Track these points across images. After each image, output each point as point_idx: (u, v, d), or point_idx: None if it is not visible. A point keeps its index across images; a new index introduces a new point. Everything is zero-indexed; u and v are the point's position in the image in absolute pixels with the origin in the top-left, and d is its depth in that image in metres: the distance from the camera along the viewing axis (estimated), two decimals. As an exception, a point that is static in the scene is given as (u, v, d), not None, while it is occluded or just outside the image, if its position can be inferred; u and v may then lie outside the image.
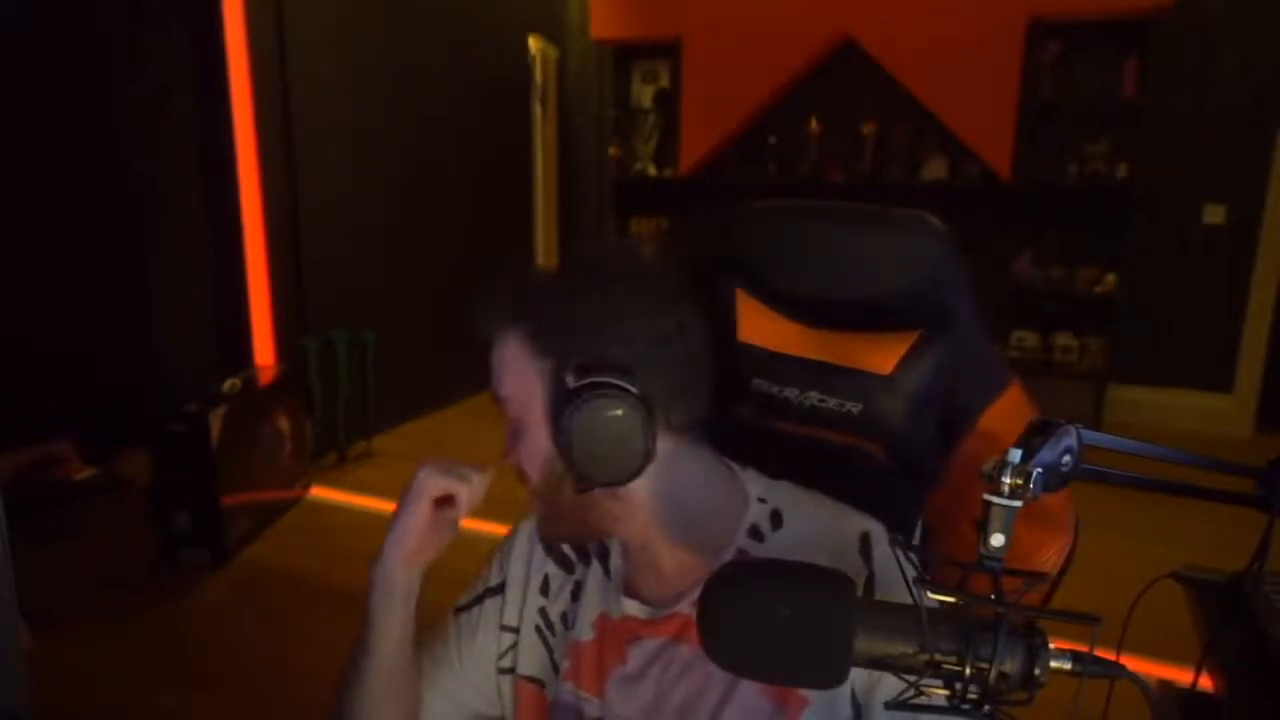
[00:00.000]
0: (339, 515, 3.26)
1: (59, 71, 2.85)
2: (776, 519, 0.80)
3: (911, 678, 0.52)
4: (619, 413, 0.71)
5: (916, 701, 0.51)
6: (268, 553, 2.90)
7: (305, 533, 3.08)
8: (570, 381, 0.73)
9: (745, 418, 0.93)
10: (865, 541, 0.76)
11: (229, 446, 2.79)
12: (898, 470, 0.86)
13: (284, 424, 3.21)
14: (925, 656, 0.51)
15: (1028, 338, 4.40)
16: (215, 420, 2.74)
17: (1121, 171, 4.13)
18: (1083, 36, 4.10)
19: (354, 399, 3.77)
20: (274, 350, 3.50)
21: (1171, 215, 4.23)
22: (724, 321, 0.90)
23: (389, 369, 3.88)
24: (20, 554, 1.57)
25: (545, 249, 5.45)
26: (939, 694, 0.51)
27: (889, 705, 0.74)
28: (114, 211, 3.10)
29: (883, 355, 0.82)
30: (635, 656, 0.81)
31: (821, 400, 0.85)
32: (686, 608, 0.78)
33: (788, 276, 0.89)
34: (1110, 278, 4.21)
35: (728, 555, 0.78)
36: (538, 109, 5.20)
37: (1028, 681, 0.49)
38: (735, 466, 0.83)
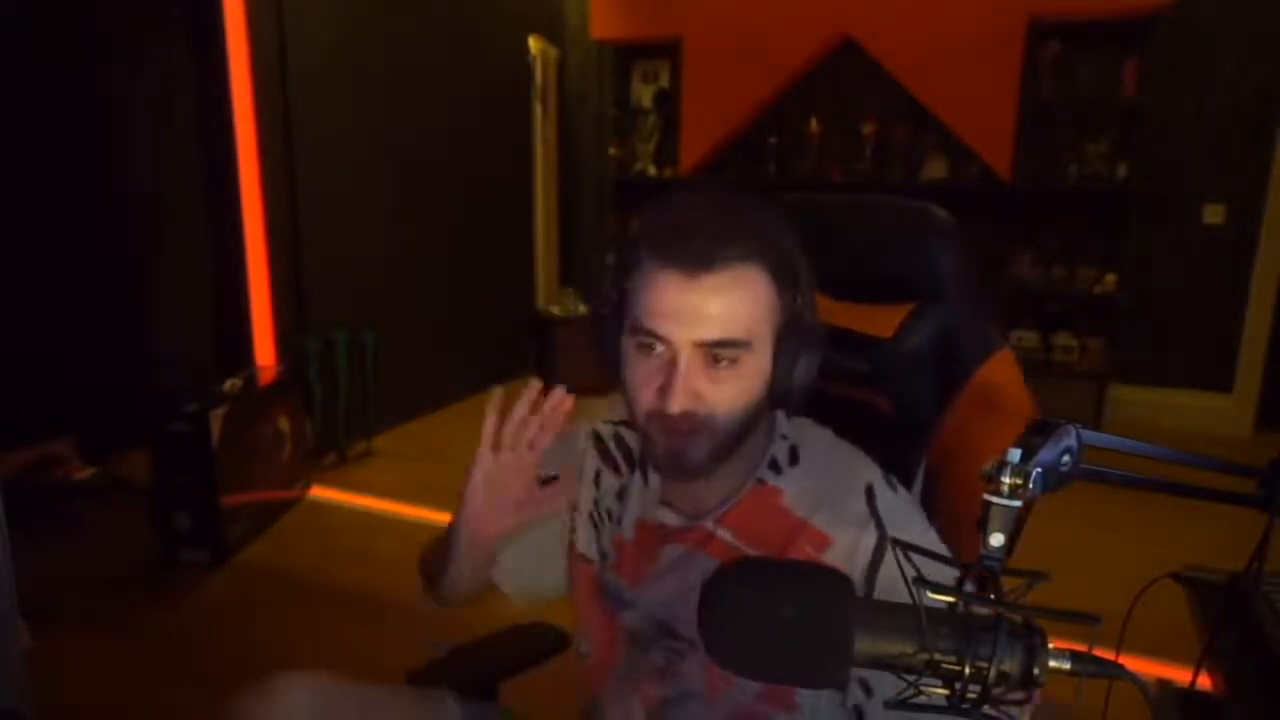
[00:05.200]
0: (339, 515, 3.26)
1: (59, 73, 2.86)
2: (794, 455, 0.88)
3: (911, 677, 0.52)
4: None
5: (916, 701, 0.52)
6: (268, 553, 2.90)
7: (305, 533, 3.08)
8: (808, 316, 0.82)
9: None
10: (870, 494, 0.83)
11: (229, 446, 2.79)
12: (901, 419, 0.99)
13: (284, 424, 3.21)
14: (925, 656, 0.51)
15: (1028, 338, 4.40)
16: (215, 420, 2.73)
17: (1121, 171, 4.13)
18: (1083, 36, 4.10)
19: (354, 399, 3.77)
20: (274, 350, 3.50)
21: (1171, 215, 4.23)
22: None
23: (389, 369, 3.88)
24: (20, 554, 1.58)
25: (545, 249, 5.45)
26: (939, 693, 0.52)
27: (888, 704, 0.75)
28: (115, 212, 3.11)
29: (886, 322, 0.97)
30: (665, 555, 0.90)
31: (835, 358, 0.97)
32: (710, 523, 0.87)
33: (819, 258, 1.01)
34: (1110, 278, 4.21)
35: (750, 483, 0.87)
36: (538, 109, 5.20)
37: (1027, 681, 0.49)
38: None
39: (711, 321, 0.76)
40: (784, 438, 0.88)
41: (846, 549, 0.80)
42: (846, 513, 0.82)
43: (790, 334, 0.80)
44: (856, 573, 0.75)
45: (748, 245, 0.77)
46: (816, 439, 0.90)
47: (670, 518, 0.90)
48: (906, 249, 1.00)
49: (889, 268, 1.01)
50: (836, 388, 1.01)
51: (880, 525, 0.74)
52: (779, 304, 0.80)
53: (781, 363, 0.80)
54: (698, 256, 0.76)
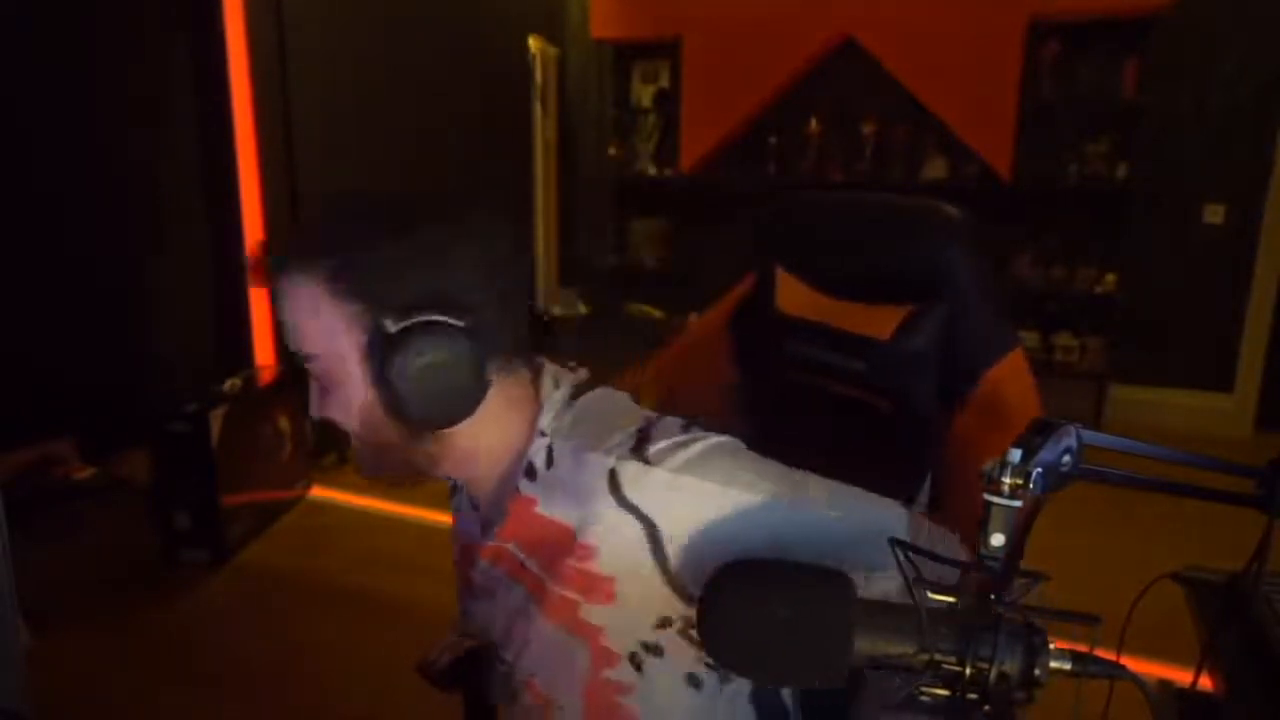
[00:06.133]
0: (339, 515, 3.26)
1: (59, 72, 2.85)
2: (549, 455, 0.78)
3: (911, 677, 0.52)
4: (450, 353, 0.70)
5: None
6: (268, 553, 2.90)
7: (305, 533, 3.08)
8: (389, 325, 0.70)
9: (780, 373, 1.07)
10: (614, 479, 0.73)
11: (229, 446, 2.79)
12: (902, 420, 0.98)
13: (284, 424, 3.21)
14: (925, 656, 0.50)
15: (1028, 338, 4.39)
16: (215, 420, 2.73)
17: (1121, 171, 4.13)
18: (1083, 36, 4.09)
19: (354, 399, 3.76)
20: (274, 350, 3.50)
21: (1171, 215, 4.23)
22: (766, 292, 1.06)
23: (389, 369, 3.88)
24: (20, 554, 1.58)
25: (545, 249, 5.45)
26: (939, 694, 0.51)
27: (886, 705, 0.75)
28: (114, 211, 3.10)
29: (884, 323, 0.95)
30: (478, 571, 0.85)
31: (835, 359, 0.99)
32: (493, 538, 0.81)
33: (820, 257, 1.04)
34: (1110, 278, 4.20)
35: (509, 493, 0.79)
36: (538, 109, 5.19)
37: (1027, 681, 0.49)
38: (545, 379, 0.82)
39: (287, 332, 0.76)
40: (543, 435, 0.78)
41: (614, 551, 0.73)
42: (598, 511, 0.73)
43: (374, 349, 0.71)
44: (645, 569, 0.73)
45: (299, 259, 0.73)
46: (573, 430, 0.78)
47: (474, 526, 0.87)
48: (914, 247, 0.98)
49: (896, 266, 0.99)
50: (832, 385, 1.00)
51: (638, 514, 0.72)
52: (343, 318, 0.72)
53: (375, 380, 0.72)
54: (272, 269, 0.75)
